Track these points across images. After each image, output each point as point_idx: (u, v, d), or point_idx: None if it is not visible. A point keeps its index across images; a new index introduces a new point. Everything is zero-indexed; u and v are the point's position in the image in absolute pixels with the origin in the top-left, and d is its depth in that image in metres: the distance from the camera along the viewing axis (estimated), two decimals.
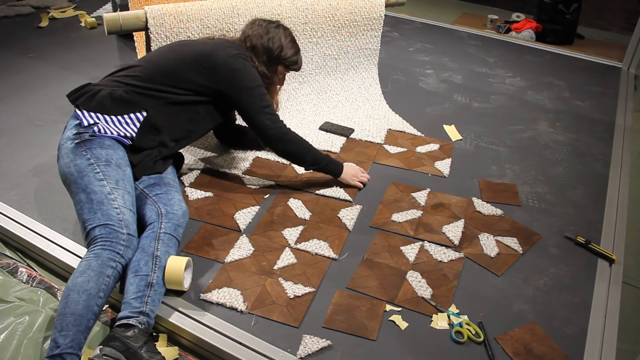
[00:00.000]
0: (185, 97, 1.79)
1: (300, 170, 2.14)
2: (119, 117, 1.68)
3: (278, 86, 2.07)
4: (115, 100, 1.68)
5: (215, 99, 1.85)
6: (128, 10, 2.44)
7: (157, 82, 1.75)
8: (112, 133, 1.64)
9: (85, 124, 1.62)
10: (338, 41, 2.61)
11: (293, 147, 1.90)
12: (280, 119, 1.89)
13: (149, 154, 1.73)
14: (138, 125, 1.70)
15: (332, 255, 1.73)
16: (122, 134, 1.66)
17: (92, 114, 1.65)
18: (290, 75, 2.49)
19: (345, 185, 2.05)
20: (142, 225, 1.62)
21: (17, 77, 2.82)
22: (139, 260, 1.48)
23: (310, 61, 2.56)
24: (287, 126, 1.89)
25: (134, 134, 1.68)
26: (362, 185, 2.05)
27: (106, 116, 1.66)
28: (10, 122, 2.41)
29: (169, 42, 2.16)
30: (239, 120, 2.26)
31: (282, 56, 1.94)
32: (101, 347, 1.30)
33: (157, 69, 1.77)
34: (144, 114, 1.71)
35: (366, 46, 2.70)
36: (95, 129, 1.62)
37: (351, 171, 2.05)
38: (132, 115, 1.70)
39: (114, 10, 3.40)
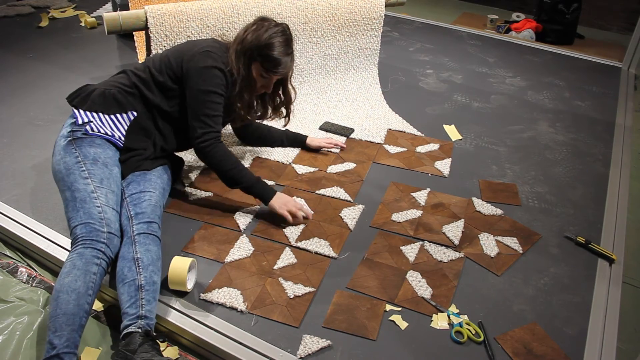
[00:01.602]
0: (169, 101, 1.79)
1: (301, 170, 2.14)
2: (112, 116, 1.72)
3: (269, 91, 1.91)
4: (108, 98, 1.72)
5: None
6: (128, 10, 2.45)
7: (145, 83, 1.77)
8: (105, 133, 1.67)
9: (80, 121, 1.67)
10: (338, 41, 2.60)
11: (212, 162, 1.77)
12: (218, 134, 1.77)
13: (138, 153, 1.75)
14: (128, 124, 1.74)
15: (332, 254, 1.73)
16: (116, 135, 1.70)
17: (87, 112, 1.70)
18: None
19: (343, 185, 2.06)
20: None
21: (17, 77, 2.82)
22: (122, 268, 1.47)
23: (310, 61, 2.56)
24: (220, 144, 1.77)
25: (125, 135, 1.72)
26: (290, 217, 1.80)
27: (100, 114, 1.70)
28: (10, 122, 2.41)
29: (169, 42, 2.17)
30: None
31: (257, 51, 1.75)
32: None
33: (147, 70, 1.79)
34: (135, 114, 1.75)
35: (366, 46, 2.70)
36: (88, 127, 1.66)
37: (283, 199, 1.82)
38: (123, 114, 1.74)
39: (114, 10, 3.40)
